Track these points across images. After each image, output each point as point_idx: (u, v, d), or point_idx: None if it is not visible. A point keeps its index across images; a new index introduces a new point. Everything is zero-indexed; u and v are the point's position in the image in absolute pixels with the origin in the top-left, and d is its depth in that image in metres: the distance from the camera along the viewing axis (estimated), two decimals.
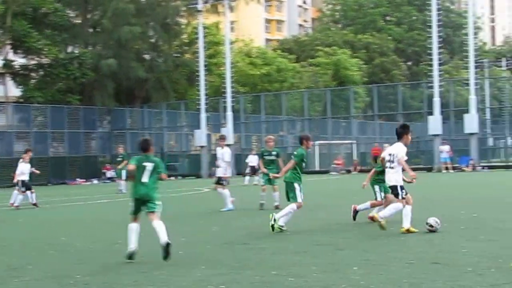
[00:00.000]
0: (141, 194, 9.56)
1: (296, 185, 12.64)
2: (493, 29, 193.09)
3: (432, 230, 11.65)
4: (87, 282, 8.09)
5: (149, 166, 9.55)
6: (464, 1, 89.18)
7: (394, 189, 11.94)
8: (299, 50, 79.99)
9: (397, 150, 11.92)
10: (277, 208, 17.70)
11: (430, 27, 46.33)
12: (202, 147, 51.35)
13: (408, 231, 11.70)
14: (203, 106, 51.63)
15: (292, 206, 12.59)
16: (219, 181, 18.35)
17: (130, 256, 9.42)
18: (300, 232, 12.39)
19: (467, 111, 44.82)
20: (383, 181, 12.61)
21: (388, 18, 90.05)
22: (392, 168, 11.96)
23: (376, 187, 13.56)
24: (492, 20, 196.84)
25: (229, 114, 51.42)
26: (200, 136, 51.26)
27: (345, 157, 52.37)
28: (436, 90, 45.31)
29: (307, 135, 13.49)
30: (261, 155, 18.55)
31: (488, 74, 79.28)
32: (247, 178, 34.97)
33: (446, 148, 44.31)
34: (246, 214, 17.13)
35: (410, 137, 12.07)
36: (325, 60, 71.56)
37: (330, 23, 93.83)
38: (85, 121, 52.02)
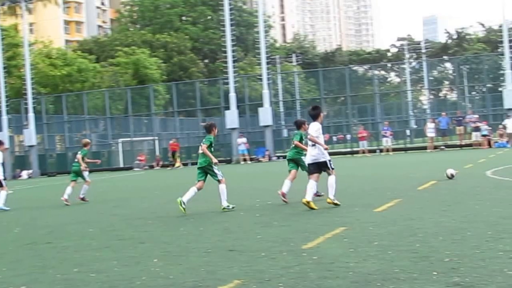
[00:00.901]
0: None
1: (212, 167, 13.74)
2: (283, 27, 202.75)
3: (452, 178, 17.10)
4: None
5: None
6: (255, 1, 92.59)
7: (324, 164, 12.86)
8: (99, 51, 78.88)
9: (311, 128, 12.89)
10: (83, 200, 18.94)
11: (224, 26, 47.77)
12: (5, 149, 49.60)
13: (308, 203, 12.43)
14: (3, 108, 50.73)
15: (221, 186, 13.67)
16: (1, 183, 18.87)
17: None
18: (102, 228, 12.44)
19: (261, 105, 46.71)
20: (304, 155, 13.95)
21: (184, 18, 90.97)
22: (314, 146, 12.85)
23: (301, 160, 14.48)
24: (283, 19, 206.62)
25: (31, 115, 50.72)
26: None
27: (148, 153, 52.81)
28: (231, 86, 46.78)
29: (212, 123, 14.32)
30: (84, 155, 19.85)
31: (280, 69, 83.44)
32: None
33: (244, 140, 46.06)
34: (50, 213, 16.88)
35: (322, 115, 13.26)
36: (125, 60, 71.13)
37: (128, 23, 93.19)
38: None
